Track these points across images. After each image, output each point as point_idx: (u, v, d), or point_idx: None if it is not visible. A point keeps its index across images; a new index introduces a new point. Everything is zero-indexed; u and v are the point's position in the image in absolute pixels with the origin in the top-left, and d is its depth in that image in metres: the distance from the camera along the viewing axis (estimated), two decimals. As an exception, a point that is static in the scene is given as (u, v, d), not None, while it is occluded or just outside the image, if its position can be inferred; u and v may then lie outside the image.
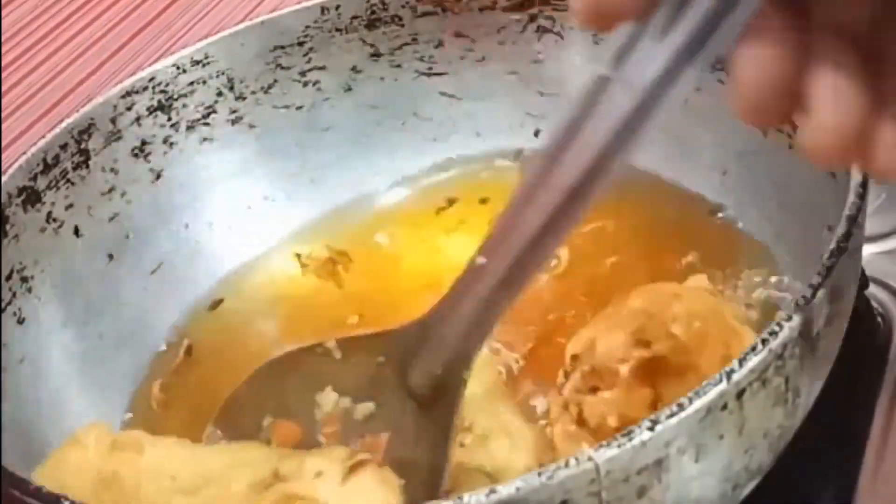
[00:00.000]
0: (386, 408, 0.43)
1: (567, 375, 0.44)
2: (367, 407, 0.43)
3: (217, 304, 0.55)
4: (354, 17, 0.57)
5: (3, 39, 0.78)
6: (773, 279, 0.48)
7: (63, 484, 0.41)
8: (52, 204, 0.52)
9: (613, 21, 0.31)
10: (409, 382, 0.41)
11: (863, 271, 0.50)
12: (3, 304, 0.49)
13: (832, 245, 0.37)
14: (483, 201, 0.57)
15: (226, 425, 0.45)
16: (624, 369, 0.43)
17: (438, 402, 0.40)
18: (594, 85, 0.33)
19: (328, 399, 0.44)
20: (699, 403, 0.34)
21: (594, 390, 0.43)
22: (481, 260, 0.38)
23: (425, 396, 0.41)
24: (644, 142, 0.33)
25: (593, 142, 0.33)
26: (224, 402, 0.46)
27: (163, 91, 0.55)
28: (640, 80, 0.32)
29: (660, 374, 0.43)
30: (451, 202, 0.58)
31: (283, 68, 0.57)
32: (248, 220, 0.57)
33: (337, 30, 0.57)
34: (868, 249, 0.51)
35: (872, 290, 0.52)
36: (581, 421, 0.43)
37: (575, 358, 0.44)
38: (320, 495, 0.38)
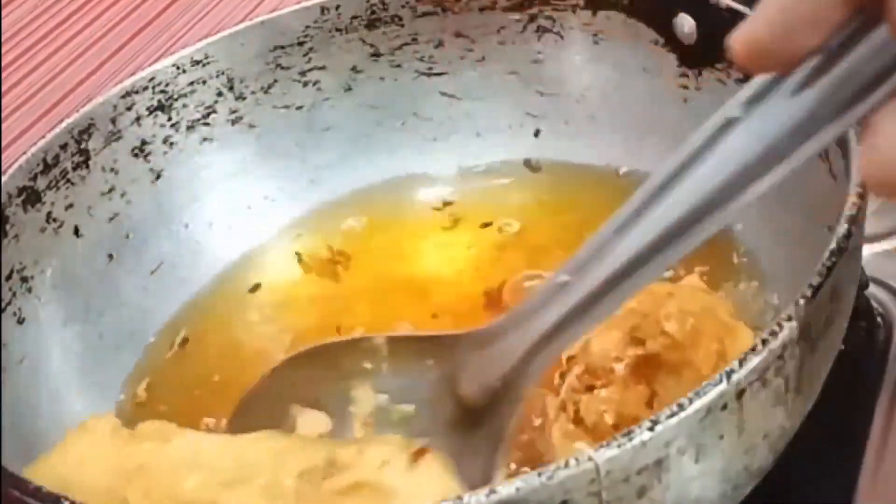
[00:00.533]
0: (427, 412, 0.42)
1: (563, 375, 0.44)
2: (406, 409, 0.42)
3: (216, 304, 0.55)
4: (354, 17, 0.57)
5: (3, 39, 0.78)
6: (772, 279, 0.48)
7: (68, 476, 0.40)
8: (52, 204, 0.52)
9: (770, 67, 0.31)
10: (460, 391, 0.40)
11: (863, 271, 0.50)
12: (3, 304, 0.49)
13: (832, 245, 0.37)
14: (480, 200, 0.57)
15: (246, 416, 0.44)
16: (619, 367, 0.42)
17: (491, 415, 0.39)
18: (720, 124, 0.32)
19: (365, 395, 0.43)
20: (699, 403, 0.34)
21: (590, 389, 0.43)
22: (564, 277, 0.36)
23: (476, 407, 0.40)
24: (755, 197, 0.32)
25: (707, 181, 0.32)
26: (246, 392, 0.45)
27: (163, 91, 0.55)
28: (771, 130, 0.31)
29: (655, 371, 0.43)
30: (448, 203, 0.58)
31: (283, 68, 0.57)
32: (249, 220, 0.57)
33: (337, 30, 0.57)
34: (868, 249, 0.51)
35: (872, 289, 0.52)
36: (578, 420, 0.43)
37: (570, 358, 0.44)
38: (387, 483, 0.37)
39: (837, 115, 0.30)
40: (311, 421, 0.43)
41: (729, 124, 0.32)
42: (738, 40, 0.30)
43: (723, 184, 0.32)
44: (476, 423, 0.40)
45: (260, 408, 0.44)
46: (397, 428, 0.42)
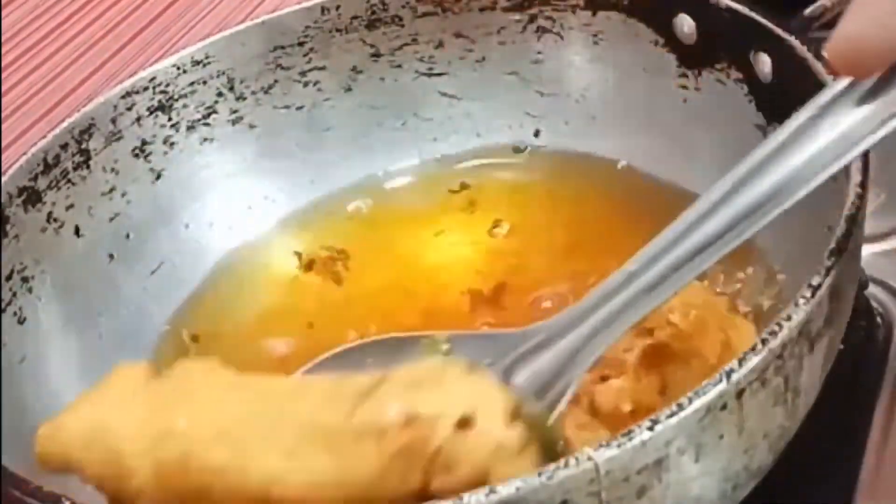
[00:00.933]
0: None
1: None
2: None
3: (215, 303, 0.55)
4: (355, 18, 0.57)
5: (3, 39, 0.78)
6: (772, 279, 0.48)
7: (106, 418, 0.38)
8: (53, 204, 0.52)
9: (864, 73, 0.35)
10: (513, 382, 0.40)
11: (862, 271, 0.50)
12: (4, 304, 0.49)
13: (832, 245, 0.37)
14: (477, 199, 0.57)
15: None
16: (630, 357, 0.43)
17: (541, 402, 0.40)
18: (801, 124, 0.37)
19: None
20: (699, 403, 0.34)
21: (604, 379, 0.43)
22: (632, 267, 0.38)
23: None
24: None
25: (783, 171, 0.37)
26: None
27: (163, 91, 0.55)
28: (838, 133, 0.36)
29: (665, 361, 0.43)
30: (448, 202, 0.58)
31: (283, 68, 0.57)
32: (249, 221, 0.57)
33: (337, 30, 0.57)
34: (868, 249, 0.51)
35: (872, 290, 0.52)
36: (594, 410, 0.43)
37: None
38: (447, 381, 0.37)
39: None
40: None
41: (808, 124, 0.37)
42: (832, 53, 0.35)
43: (778, 185, 0.37)
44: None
45: None
46: None
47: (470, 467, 0.35)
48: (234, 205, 0.57)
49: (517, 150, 0.58)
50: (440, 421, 0.35)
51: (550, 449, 0.37)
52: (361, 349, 0.45)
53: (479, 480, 0.34)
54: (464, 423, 0.35)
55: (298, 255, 0.57)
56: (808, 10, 0.51)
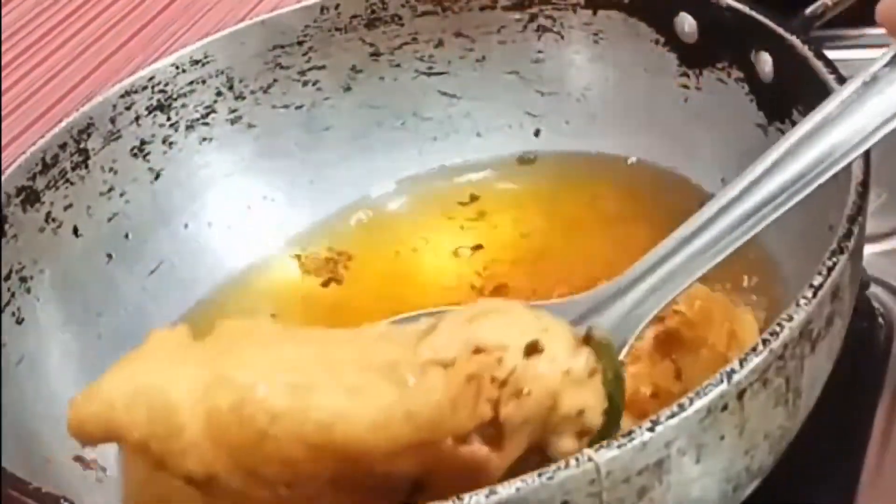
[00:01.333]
0: None
1: None
2: None
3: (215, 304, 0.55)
4: (354, 17, 0.57)
5: (2, 39, 0.78)
6: (773, 279, 0.48)
7: (151, 381, 0.36)
8: (51, 204, 0.52)
9: None
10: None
11: (864, 271, 0.50)
12: (2, 305, 0.48)
13: (833, 245, 0.37)
14: (475, 198, 0.57)
15: None
16: (644, 344, 0.43)
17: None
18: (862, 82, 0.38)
19: None
20: (700, 404, 0.33)
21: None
22: (688, 230, 0.39)
23: None
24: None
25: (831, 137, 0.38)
26: None
27: (162, 91, 0.55)
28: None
29: (676, 347, 0.44)
30: (448, 201, 0.58)
31: (282, 68, 0.57)
32: (248, 220, 0.57)
33: (337, 29, 0.57)
34: (869, 249, 0.51)
35: (873, 290, 0.52)
36: None
37: None
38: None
39: None
40: None
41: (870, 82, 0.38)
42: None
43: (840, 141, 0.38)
44: None
45: None
46: None
47: (539, 393, 0.35)
48: (233, 204, 0.57)
49: (524, 160, 0.58)
50: (508, 348, 0.35)
51: (616, 377, 0.37)
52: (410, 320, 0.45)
53: (548, 406, 0.35)
54: (531, 350, 0.35)
55: (298, 255, 0.57)
56: (809, 10, 0.51)
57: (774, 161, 0.39)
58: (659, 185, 0.54)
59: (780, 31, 0.47)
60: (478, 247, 0.55)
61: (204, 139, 0.57)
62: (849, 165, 0.40)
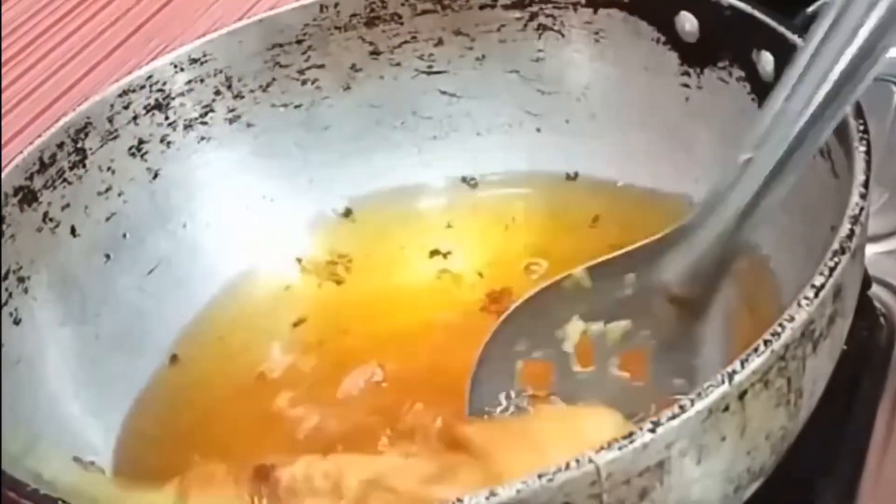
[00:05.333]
0: (644, 321, 0.44)
1: None
2: (621, 325, 0.44)
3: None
4: (353, 15, 0.57)
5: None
6: (774, 279, 0.48)
7: None
8: (49, 203, 0.51)
9: None
10: (670, 290, 0.43)
11: (866, 271, 0.50)
12: (0, 305, 0.48)
13: (835, 245, 0.37)
14: (476, 198, 0.57)
15: (479, 387, 0.45)
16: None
17: (709, 298, 0.42)
18: None
19: (575, 328, 0.44)
20: (701, 405, 0.33)
21: None
22: (747, 155, 0.40)
23: (692, 298, 0.43)
24: None
25: (860, 28, 0.38)
26: (473, 366, 0.45)
27: (160, 90, 0.55)
28: None
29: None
30: (448, 202, 0.58)
31: (281, 67, 0.57)
32: (247, 220, 0.57)
33: (336, 28, 0.57)
34: (871, 249, 0.51)
35: (875, 290, 0.52)
36: None
37: None
38: None
39: None
40: (534, 372, 0.44)
41: None
42: None
43: (876, 28, 0.38)
44: (698, 313, 0.43)
45: (489, 376, 0.45)
46: (621, 346, 0.44)
47: None
48: (231, 204, 0.57)
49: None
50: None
51: None
52: (515, 314, 0.46)
53: None
54: None
55: (297, 255, 0.56)
56: (810, 8, 0.51)
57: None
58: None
59: (782, 29, 0.47)
60: (479, 247, 0.55)
61: (202, 138, 0.57)
62: (851, 165, 0.40)
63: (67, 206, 0.52)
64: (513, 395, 0.46)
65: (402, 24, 0.57)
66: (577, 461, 0.32)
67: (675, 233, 0.43)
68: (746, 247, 0.42)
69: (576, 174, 0.57)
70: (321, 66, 0.58)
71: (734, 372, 0.34)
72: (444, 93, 0.58)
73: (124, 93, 0.54)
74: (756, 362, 0.34)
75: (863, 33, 0.38)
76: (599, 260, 0.45)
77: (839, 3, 0.39)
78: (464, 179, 0.58)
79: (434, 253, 0.56)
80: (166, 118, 0.55)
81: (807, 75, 0.39)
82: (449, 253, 0.56)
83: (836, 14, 0.39)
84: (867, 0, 0.38)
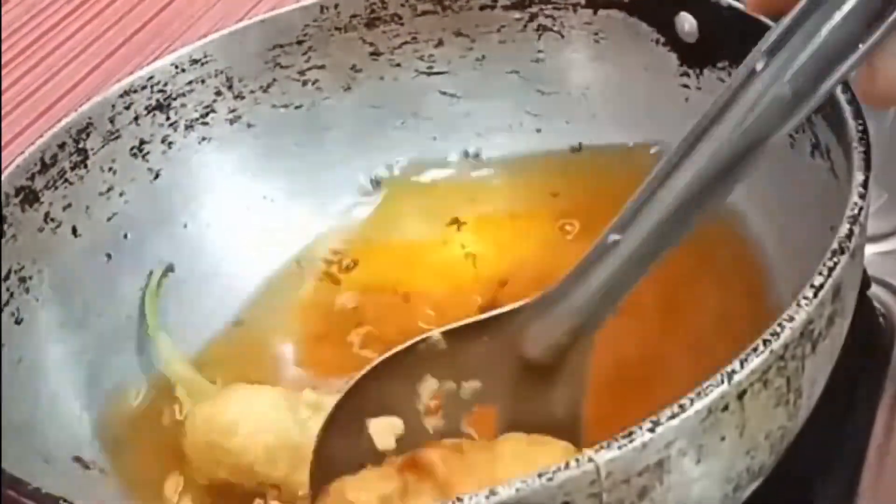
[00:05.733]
0: (494, 381, 0.44)
1: None
2: (472, 385, 0.44)
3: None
4: (354, 16, 0.57)
5: (1, 38, 0.78)
6: (774, 279, 0.48)
7: None
8: (50, 204, 0.52)
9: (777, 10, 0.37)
10: (526, 354, 0.43)
11: (865, 271, 0.50)
12: (2, 305, 0.48)
13: (834, 245, 0.37)
14: (474, 199, 0.57)
15: (328, 442, 0.44)
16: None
17: (564, 369, 0.43)
18: (743, 76, 0.38)
19: (430, 387, 0.44)
20: (700, 404, 0.33)
21: None
22: (615, 237, 0.40)
23: (547, 363, 0.43)
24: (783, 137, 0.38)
25: (738, 129, 0.38)
26: (325, 421, 0.44)
27: (161, 90, 0.55)
28: (791, 73, 0.37)
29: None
30: (450, 202, 0.58)
31: (282, 67, 0.57)
32: (247, 220, 0.57)
33: (336, 28, 0.57)
34: (870, 249, 0.51)
35: (874, 290, 0.52)
36: None
37: None
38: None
39: (849, 53, 0.36)
40: (383, 427, 0.44)
41: (752, 75, 0.38)
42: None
43: (752, 130, 0.38)
44: (549, 380, 0.43)
45: (339, 433, 0.45)
46: (468, 405, 0.44)
47: None
48: (232, 205, 0.57)
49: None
50: None
51: None
52: (373, 372, 0.45)
53: None
54: None
55: (297, 257, 0.56)
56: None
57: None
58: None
59: (781, 30, 0.47)
60: (479, 247, 0.55)
61: (203, 139, 0.57)
62: (850, 165, 0.40)
63: (69, 206, 0.52)
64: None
65: (402, 24, 0.57)
66: (577, 460, 0.32)
67: (534, 303, 0.43)
68: (602, 322, 0.42)
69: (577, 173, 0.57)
70: (322, 67, 0.58)
71: (733, 371, 0.34)
72: (444, 93, 0.58)
73: (126, 93, 0.54)
74: (755, 362, 0.34)
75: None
76: (456, 325, 0.44)
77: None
78: (459, 179, 0.58)
79: (435, 253, 0.56)
80: (167, 119, 0.56)
81: (679, 169, 0.39)
82: (449, 254, 0.56)
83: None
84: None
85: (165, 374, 0.52)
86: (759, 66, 0.38)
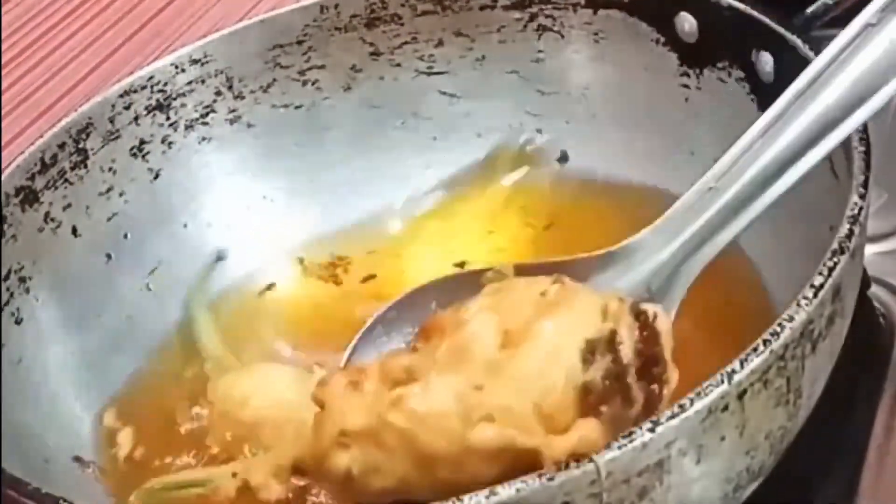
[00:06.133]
0: None
1: None
2: None
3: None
4: (354, 16, 0.57)
5: (1, 38, 0.78)
6: (775, 279, 0.48)
7: None
8: (50, 204, 0.52)
9: None
10: None
11: (864, 271, 0.50)
12: (2, 305, 0.48)
13: (834, 245, 0.37)
14: (474, 199, 0.57)
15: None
16: None
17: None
18: (857, 31, 0.38)
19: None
20: (700, 404, 0.33)
21: None
22: (712, 184, 0.40)
23: None
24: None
25: (846, 84, 0.38)
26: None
27: (161, 90, 0.55)
28: None
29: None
30: (447, 202, 0.58)
31: (282, 67, 0.57)
32: (247, 220, 0.57)
33: (336, 28, 0.57)
34: (870, 249, 0.51)
35: (874, 290, 0.52)
36: None
37: None
38: None
39: None
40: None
41: (865, 29, 0.38)
42: None
43: (861, 84, 0.38)
44: None
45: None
46: None
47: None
48: (232, 205, 0.57)
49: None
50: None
51: None
52: (424, 291, 0.45)
53: None
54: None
55: (298, 256, 0.56)
56: (810, 9, 0.51)
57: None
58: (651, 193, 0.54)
59: (781, 30, 0.47)
60: (478, 247, 0.55)
61: (203, 139, 0.57)
62: (850, 165, 0.40)
63: (69, 206, 0.52)
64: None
65: (402, 24, 0.57)
66: (577, 461, 0.33)
67: (617, 251, 0.43)
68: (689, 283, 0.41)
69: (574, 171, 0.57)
70: (322, 67, 0.58)
71: (733, 371, 0.34)
72: (444, 93, 0.58)
73: (125, 93, 0.54)
74: (755, 362, 0.34)
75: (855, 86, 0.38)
76: (531, 262, 0.44)
77: (828, 57, 0.39)
78: (459, 180, 0.58)
79: (435, 254, 0.56)
80: (167, 119, 0.56)
81: (790, 118, 0.39)
82: (449, 254, 0.56)
83: (833, 58, 0.39)
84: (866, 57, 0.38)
85: (200, 350, 0.52)
86: (873, 21, 0.38)
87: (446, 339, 0.37)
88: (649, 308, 0.37)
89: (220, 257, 0.55)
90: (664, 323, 0.36)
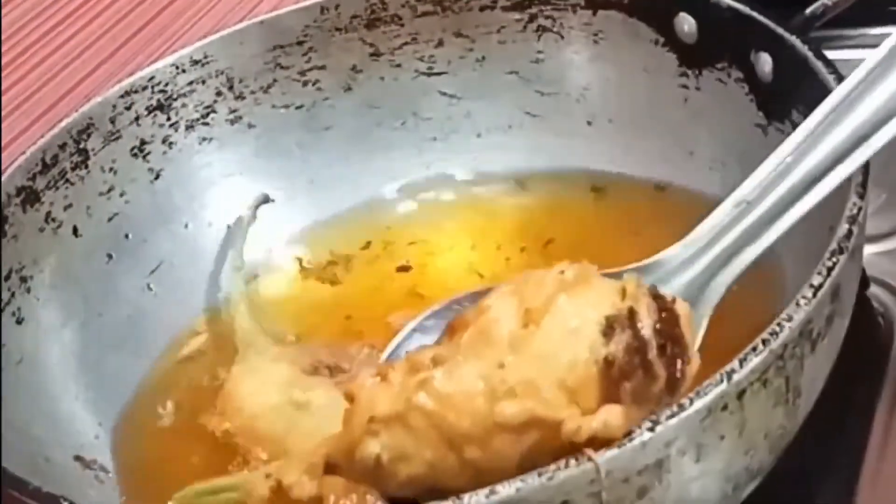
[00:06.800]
0: None
1: None
2: None
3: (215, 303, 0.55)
4: (354, 17, 0.57)
5: (1, 38, 0.78)
6: (773, 278, 0.48)
7: None
8: (51, 204, 0.52)
9: None
10: None
11: (863, 271, 0.50)
12: (2, 305, 0.48)
13: (833, 245, 0.37)
14: (474, 199, 0.57)
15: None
16: None
17: None
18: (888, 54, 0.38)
19: None
20: (700, 404, 0.33)
21: None
22: (744, 199, 0.40)
23: None
24: None
25: (884, 96, 0.38)
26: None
27: (162, 91, 0.55)
28: None
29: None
30: (447, 202, 0.58)
31: (282, 68, 0.57)
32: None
33: (336, 29, 0.57)
34: (869, 249, 0.51)
35: (873, 290, 0.52)
36: None
37: None
38: None
39: None
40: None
41: (892, 52, 0.38)
42: None
43: (891, 103, 0.38)
44: None
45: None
46: None
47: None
48: (233, 205, 0.57)
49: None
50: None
51: None
52: (461, 301, 0.45)
53: None
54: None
55: (297, 256, 0.56)
56: (809, 10, 0.51)
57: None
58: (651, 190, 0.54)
59: (780, 31, 0.47)
60: (478, 247, 0.55)
61: (204, 139, 0.57)
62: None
63: (69, 206, 0.52)
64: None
65: (402, 25, 0.57)
66: (577, 460, 0.33)
67: (649, 264, 0.42)
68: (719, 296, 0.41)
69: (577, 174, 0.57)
70: (322, 68, 0.58)
71: (733, 371, 0.34)
72: (444, 94, 0.58)
73: (126, 94, 0.54)
74: (754, 362, 0.34)
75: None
76: None
77: (863, 73, 0.39)
78: (459, 180, 0.58)
79: (435, 253, 0.56)
80: (168, 119, 0.56)
81: (820, 135, 0.40)
82: (448, 254, 0.56)
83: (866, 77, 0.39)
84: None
85: (226, 315, 0.53)
86: None
87: (470, 328, 0.37)
88: (667, 292, 0.37)
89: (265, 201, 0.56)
90: (683, 307, 0.36)
